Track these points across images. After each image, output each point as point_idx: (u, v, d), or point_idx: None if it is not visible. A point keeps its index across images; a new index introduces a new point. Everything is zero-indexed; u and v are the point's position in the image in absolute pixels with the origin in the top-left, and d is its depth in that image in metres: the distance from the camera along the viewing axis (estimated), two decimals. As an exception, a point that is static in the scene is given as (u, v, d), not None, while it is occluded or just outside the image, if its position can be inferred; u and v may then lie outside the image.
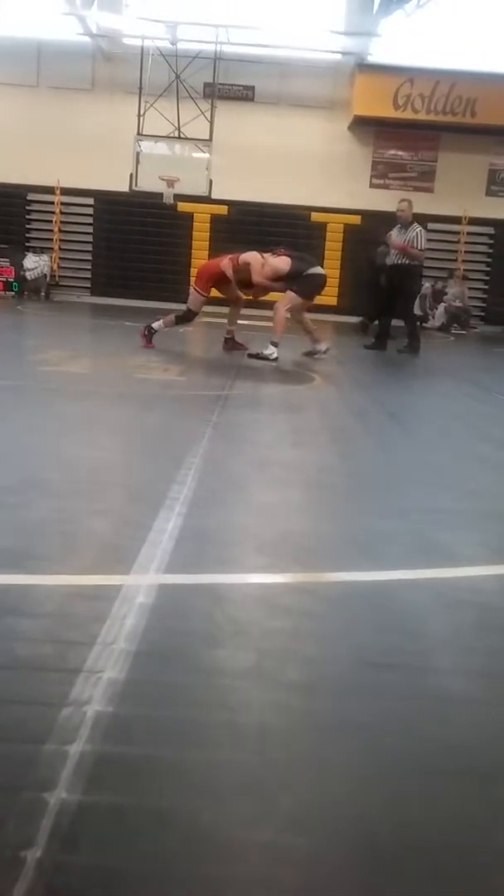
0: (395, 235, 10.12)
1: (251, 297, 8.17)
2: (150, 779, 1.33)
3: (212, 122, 14.10)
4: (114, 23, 15.43)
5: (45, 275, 16.55)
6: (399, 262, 9.92)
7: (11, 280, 16.32)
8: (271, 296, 8.28)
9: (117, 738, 1.41)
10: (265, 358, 7.54)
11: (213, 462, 3.52)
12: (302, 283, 7.76)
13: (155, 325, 8.01)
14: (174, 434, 4.15)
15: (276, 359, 7.53)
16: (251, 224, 16.39)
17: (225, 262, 7.88)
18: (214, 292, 8.14)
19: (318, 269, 8.11)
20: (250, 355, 7.72)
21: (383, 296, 10.47)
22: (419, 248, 9.93)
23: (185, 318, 8.18)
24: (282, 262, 7.75)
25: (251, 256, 7.76)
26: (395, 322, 10.21)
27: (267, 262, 7.72)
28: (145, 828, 1.21)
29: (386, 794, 1.34)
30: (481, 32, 15.26)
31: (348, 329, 14.16)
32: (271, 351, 7.60)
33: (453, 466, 3.94)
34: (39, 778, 1.29)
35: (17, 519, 2.60)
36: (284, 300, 7.85)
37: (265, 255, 7.80)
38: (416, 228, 9.96)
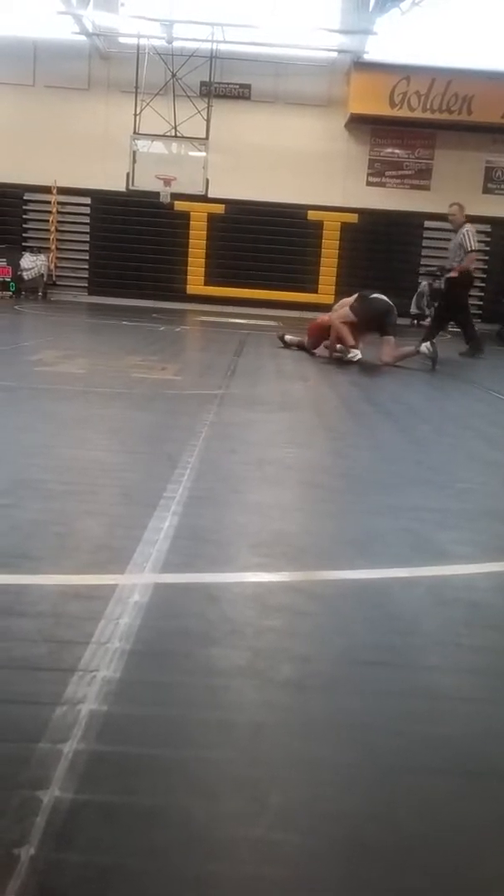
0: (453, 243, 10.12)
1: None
2: (144, 777, 1.34)
3: (208, 121, 14.12)
4: (110, 21, 15.44)
5: (43, 274, 16.57)
6: (450, 275, 9.98)
7: (8, 280, 16.33)
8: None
9: (111, 737, 1.42)
10: (350, 359, 8.02)
11: (208, 461, 3.53)
12: (360, 303, 8.32)
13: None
14: (170, 433, 4.16)
15: (359, 359, 7.99)
16: (248, 223, 16.42)
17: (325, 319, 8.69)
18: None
19: (376, 295, 8.51)
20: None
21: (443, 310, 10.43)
22: (469, 248, 9.95)
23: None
24: (349, 299, 8.62)
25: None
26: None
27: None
28: (138, 826, 1.22)
29: (377, 792, 1.35)
30: (477, 30, 15.27)
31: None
32: (354, 353, 8.03)
33: (448, 465, 3.96)
34: (33, 776, 1.30)
35: (12, 519, 2.61)
36: (336, 316, 8.36)
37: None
38: (464, 229, 9.97)
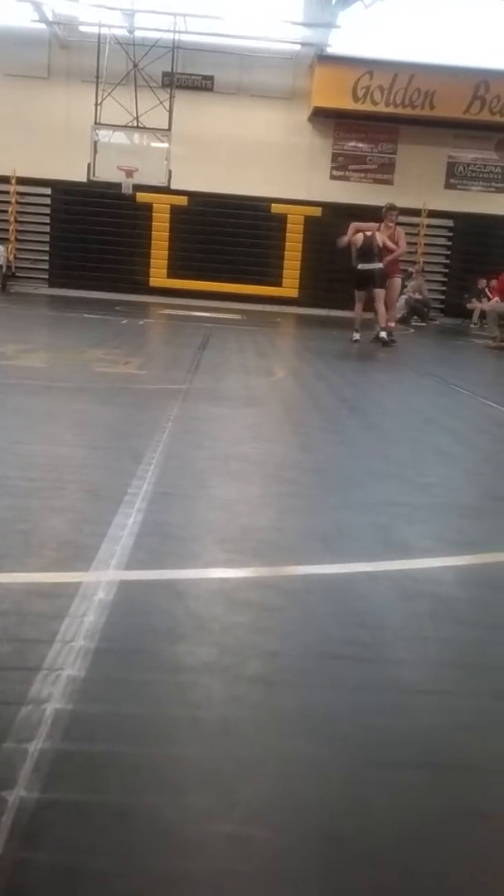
0: None
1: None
2: (111, 775, 1.33)
3: (171, 112, 14.00)
4: (70, 10, 15.21)
5: (2, 266, 16.32)
6: None
7: (-33, 271, 16.05)
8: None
9: (77, 736, 1.41)
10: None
11: (173, 457, 3.52)
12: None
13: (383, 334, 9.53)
14: (134, 428, 4.13)
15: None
16: (211, 215, 16.35)
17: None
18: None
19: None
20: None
21: None
22: None
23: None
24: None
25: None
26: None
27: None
28: (107, 824, 1.21)
29: (346, 786, 1.36)
30: (439, 25, 15.36)
31: (311, 321, 14.21)
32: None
33: (413, 459, 3.99)
34: (-1, 777, 1.28)
35: (-25, 516, 2.57)
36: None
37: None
38: None
